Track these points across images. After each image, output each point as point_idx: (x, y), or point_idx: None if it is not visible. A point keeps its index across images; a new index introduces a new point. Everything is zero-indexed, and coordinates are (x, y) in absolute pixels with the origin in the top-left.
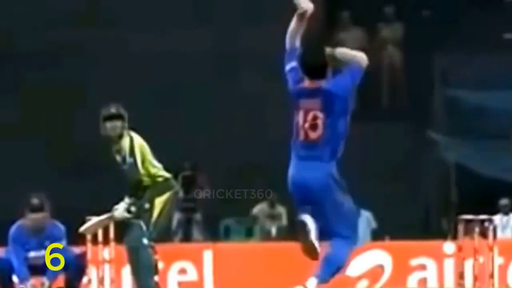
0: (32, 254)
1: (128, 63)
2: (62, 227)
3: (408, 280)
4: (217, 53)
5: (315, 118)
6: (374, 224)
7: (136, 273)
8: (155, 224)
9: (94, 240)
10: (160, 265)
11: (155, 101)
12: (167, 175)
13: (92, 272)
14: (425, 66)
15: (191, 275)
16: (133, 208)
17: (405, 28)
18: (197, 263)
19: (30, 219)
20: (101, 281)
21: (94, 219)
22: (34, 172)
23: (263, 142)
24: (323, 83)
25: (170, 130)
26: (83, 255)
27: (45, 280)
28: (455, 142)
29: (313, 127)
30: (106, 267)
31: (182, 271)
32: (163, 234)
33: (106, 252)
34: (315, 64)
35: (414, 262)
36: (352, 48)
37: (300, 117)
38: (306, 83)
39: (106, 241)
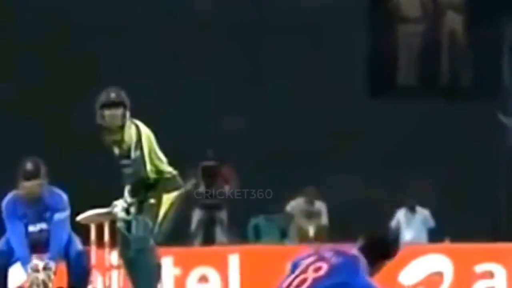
0: (30, 228)
1: (149, 42)
2: (63, 195)
3: None
4: (244, 38)
5: None
6: (431, 224)
7: (140, 279)
8: (160, 225)
9: (100, 242)
10: (178, 271)
11: (175, 81)
12: (174, 171)
13: (97, 280)
14: (493, 36)
15: (214, 283)
16: (132, 209)
17: None
18: (221, 269)
19: (23, 187)
20: None
21: (92, 211)
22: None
23: (297, 131)
24: None
25: (192, 113)
26: (86, 253)
27: (48, 260)
28: None
29: None
30: (114, 273)
31: (203, 279)
32: (181, 236)
33: (113, 257)
34: None
35: (479, 268)
36: (409, 13)
37: None
38: None
39: (113, 244)
